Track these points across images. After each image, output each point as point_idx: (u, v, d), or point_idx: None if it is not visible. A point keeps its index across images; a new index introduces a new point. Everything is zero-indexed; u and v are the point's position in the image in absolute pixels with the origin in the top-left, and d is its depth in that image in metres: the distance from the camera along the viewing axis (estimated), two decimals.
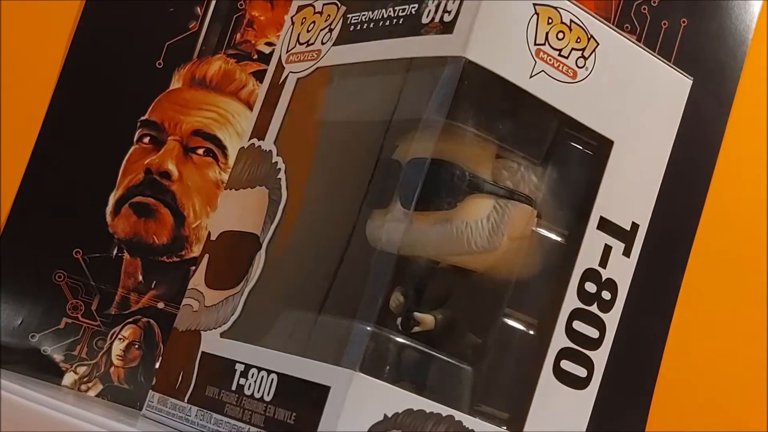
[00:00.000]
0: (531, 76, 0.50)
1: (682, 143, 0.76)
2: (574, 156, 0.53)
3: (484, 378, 0.52)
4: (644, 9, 0.77)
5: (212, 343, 0.55)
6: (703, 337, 0.76)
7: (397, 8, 0.53)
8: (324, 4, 0.58)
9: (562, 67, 0.51)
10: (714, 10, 0.77)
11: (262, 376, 0.51)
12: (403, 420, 0.48)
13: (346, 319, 0.50)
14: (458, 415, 0.49)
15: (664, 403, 0.74)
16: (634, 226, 0.53)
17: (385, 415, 0.48)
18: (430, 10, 0.52)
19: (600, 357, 0.53)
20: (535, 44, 0.50)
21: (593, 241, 0.52)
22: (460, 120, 0.51)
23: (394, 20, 0.53)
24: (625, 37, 0.53)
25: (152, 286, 0.74)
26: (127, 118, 0.75)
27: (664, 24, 0.77)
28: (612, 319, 0.53)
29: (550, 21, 0.51)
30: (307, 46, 0.58)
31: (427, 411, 0.49)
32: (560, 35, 0.51)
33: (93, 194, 0.74)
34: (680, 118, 0.55)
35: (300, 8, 0.60)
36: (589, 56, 0.52)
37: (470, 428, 0.49)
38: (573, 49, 0.51)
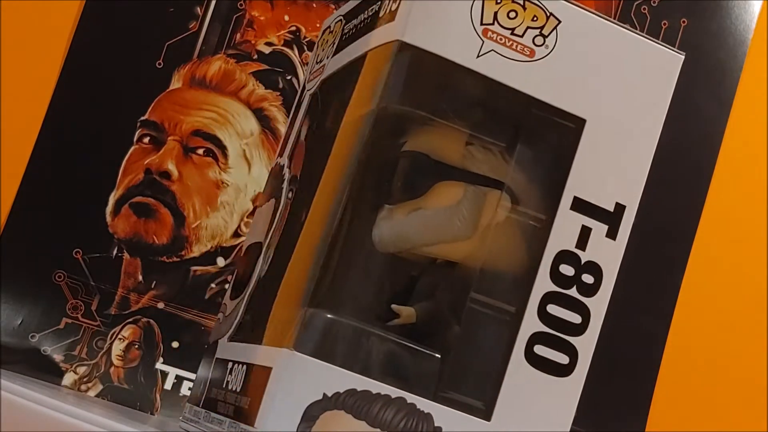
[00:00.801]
0: (478, 56, 0.50)
1: (682, 143, 0.76)
2: (548, 137, 0.52)
3: (457, 366, 0.51)
4: (644, 9, 0.77)
5: (222, 348, 0.55)
6: (703, 337, 0.76)
7: (368, 9, 0.54)
8: (335, 23, 0.59)
9: (517, 46, 0.50)
10: (714, 10, 0.77)
11: (238, 369, 0.51)
12: (345, 400, 0.47)
13: (294, 306, 0.50)
14: (411, 398, 0.48)
15: (664, 403, 0.74)
16: (620, 208, 0.52)
17: (324, 395, 0.47)
18: (386, 3, 0.52)
19: (585, 343, 0.51)
20: (482, 24, 0.50)
21: (567, 222, 0.51)
22: (415, 107, 0.51)
23: (365, 21, 0.54)
24: (597, 15, 0.52)
25: (152, 286, 0.74)
26: (127, 118, 0.75)
27: (664, 24, 0.77)
28: (598, 304, 0.51)
29: (498, 0, 0.50)
30: (318, 64, 0.59)
31: (374, 392, 0.48)
32: (512, 14, 0.50)
33: (93, 194, 0.74)
34: (671, 95, 0.54)
35: (323, 32, 0.61)
36: (549, 34, 0.51)
37: (425, 411, 0.48)
38: (529, 27, 0.50)
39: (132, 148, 0.75)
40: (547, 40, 0.50)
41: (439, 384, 0.50)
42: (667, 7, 0.77)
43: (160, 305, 0.74)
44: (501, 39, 0.50)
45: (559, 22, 0.51)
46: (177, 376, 0.72)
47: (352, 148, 0.51)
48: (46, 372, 0.72)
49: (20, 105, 0.74)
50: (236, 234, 0.74)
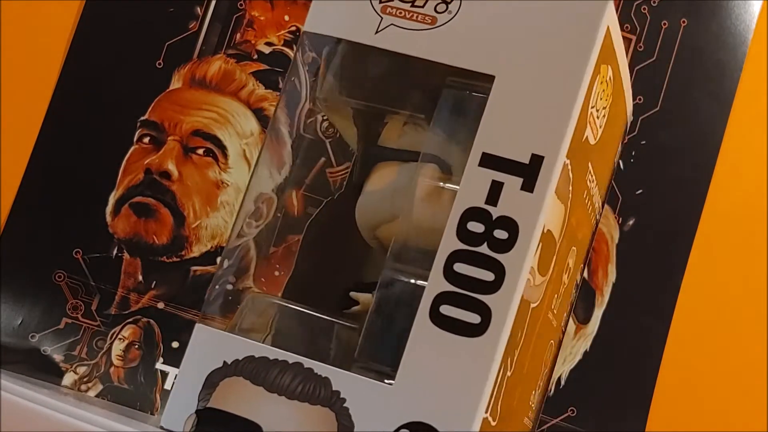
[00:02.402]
0: (377, 32, 0.51)
1: (682, 143, 0.76)
2: (471, 103, 0.52)
3: (373, 335, 0.51)
4: (644, 9, 0.77)
5: None
6: (703, 337, 0.76)
7: None
8: None
9: (417, 17, 0.51)
10: (714, 10, 0.77)
11: None
12: (244, 366, 0.49)
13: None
14: (308, 363, 0.48)
15: (664, 403, 0.75)
16: (537, 159, 0.50)
17: (224, 362, 0.49)
18: None
19: (500, 301, 0.49)
20: (381, 2, 0.51)
21: (475, 178, 0.49)
22: (348, 97, 0.53)
23: None
24: None
25: (152, 286, 0.74)
26: (127, 118, 0.75)
27: (664, 24, 0.77)
28: (514, 260, 0.49)
29: None
30: None
31: (271, 358, 0.48)
32: None
33: (93, 194, 0.74)
34: (598, 42, 0.52)
35: None
36: (452, 1, 0.51)
37: (322, 375, 0.48)
38: None
39: (132, 148, 0.75)
40: (450, 6, 0.51)
41: (355, 353, 0.50)
42: (667, 7, 0.77)
43: (160, 305, 0.74)
44: (400, 12, 0.51)
45: None
46: (177, 376, 0.72)
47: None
48: (46, 372, 0.72)
49: (20, 105, 0.74)
50: (237, 234, 0.74)
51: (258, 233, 0.61)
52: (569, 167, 0.50)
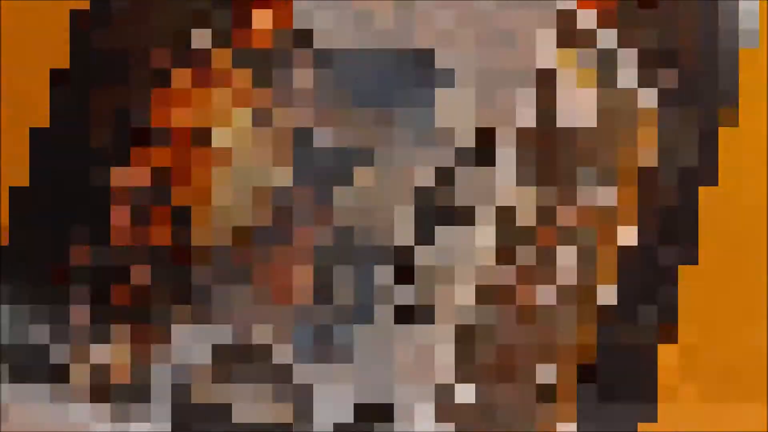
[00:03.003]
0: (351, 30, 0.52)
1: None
2: (438, 93, 0.53)
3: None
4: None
5: None
6: (703, 337, 0.77)
7: None
8: None
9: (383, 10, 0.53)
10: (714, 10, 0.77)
11: None
12: (218, 359, 0.53)
13: None
14: (276, 352, 0.50)
15: (664, 404, 0.75)
16: (485, 133, 0.51)
17: (203, 356, 0.53)
18: None
19: (445, 276, 0.50)
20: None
21: (426, 157, 0.51)
22: (332, 94, 0.54)
23: None
24: None
25: (152, 287, 0.74)
26: (127, 119, 0.75)
27: None
28: (460, 236, 0.50)
29: None
30: None
31: (240, 350, 0.51)
32: None
33: (93, 194, 0.74)
34: (549, 18, 0.52)
35: None
36: None
37: (286, 363, 0.50)
38: None
39: (132, 148, 0.75)
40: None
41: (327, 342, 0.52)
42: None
43: (160, 305, 0.74)
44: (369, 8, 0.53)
45: None
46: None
47: None
48: (47, 372, 0.72)
49: (20, 105, 0.74)
50: (231, 233, 0.74)
51: (256, 232, 0.61)
52: (532, 145, 0.51)
